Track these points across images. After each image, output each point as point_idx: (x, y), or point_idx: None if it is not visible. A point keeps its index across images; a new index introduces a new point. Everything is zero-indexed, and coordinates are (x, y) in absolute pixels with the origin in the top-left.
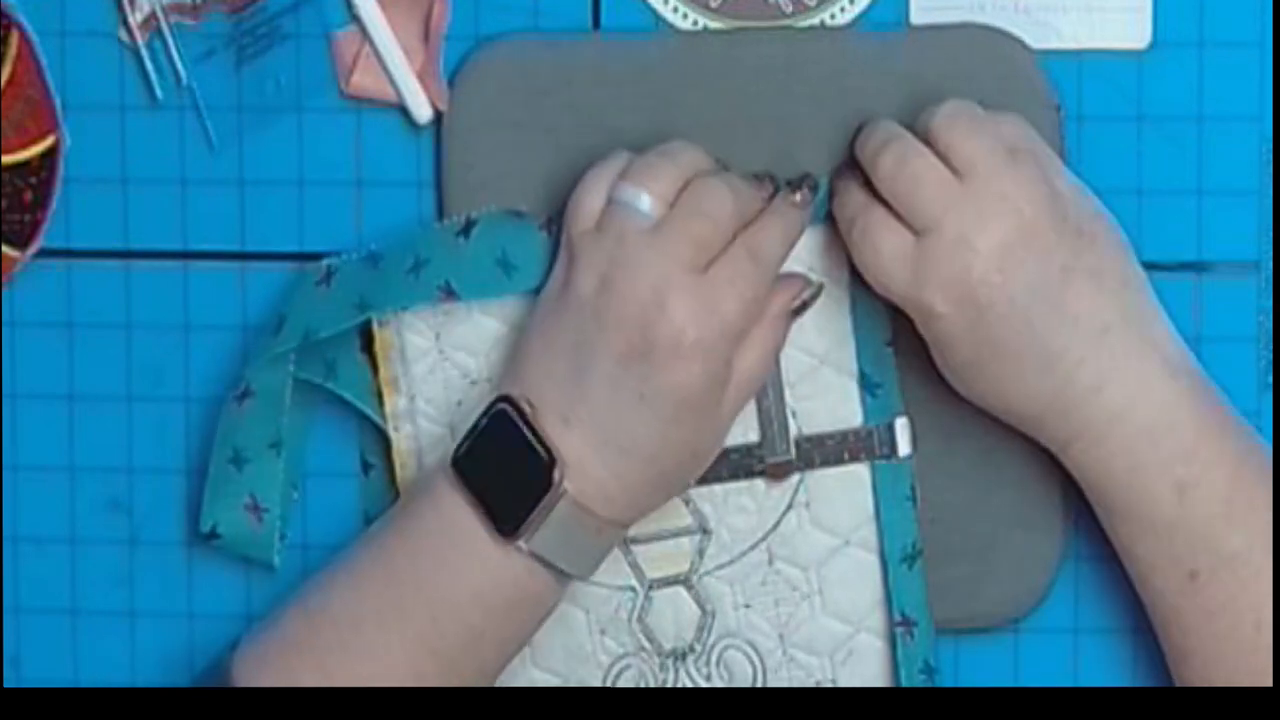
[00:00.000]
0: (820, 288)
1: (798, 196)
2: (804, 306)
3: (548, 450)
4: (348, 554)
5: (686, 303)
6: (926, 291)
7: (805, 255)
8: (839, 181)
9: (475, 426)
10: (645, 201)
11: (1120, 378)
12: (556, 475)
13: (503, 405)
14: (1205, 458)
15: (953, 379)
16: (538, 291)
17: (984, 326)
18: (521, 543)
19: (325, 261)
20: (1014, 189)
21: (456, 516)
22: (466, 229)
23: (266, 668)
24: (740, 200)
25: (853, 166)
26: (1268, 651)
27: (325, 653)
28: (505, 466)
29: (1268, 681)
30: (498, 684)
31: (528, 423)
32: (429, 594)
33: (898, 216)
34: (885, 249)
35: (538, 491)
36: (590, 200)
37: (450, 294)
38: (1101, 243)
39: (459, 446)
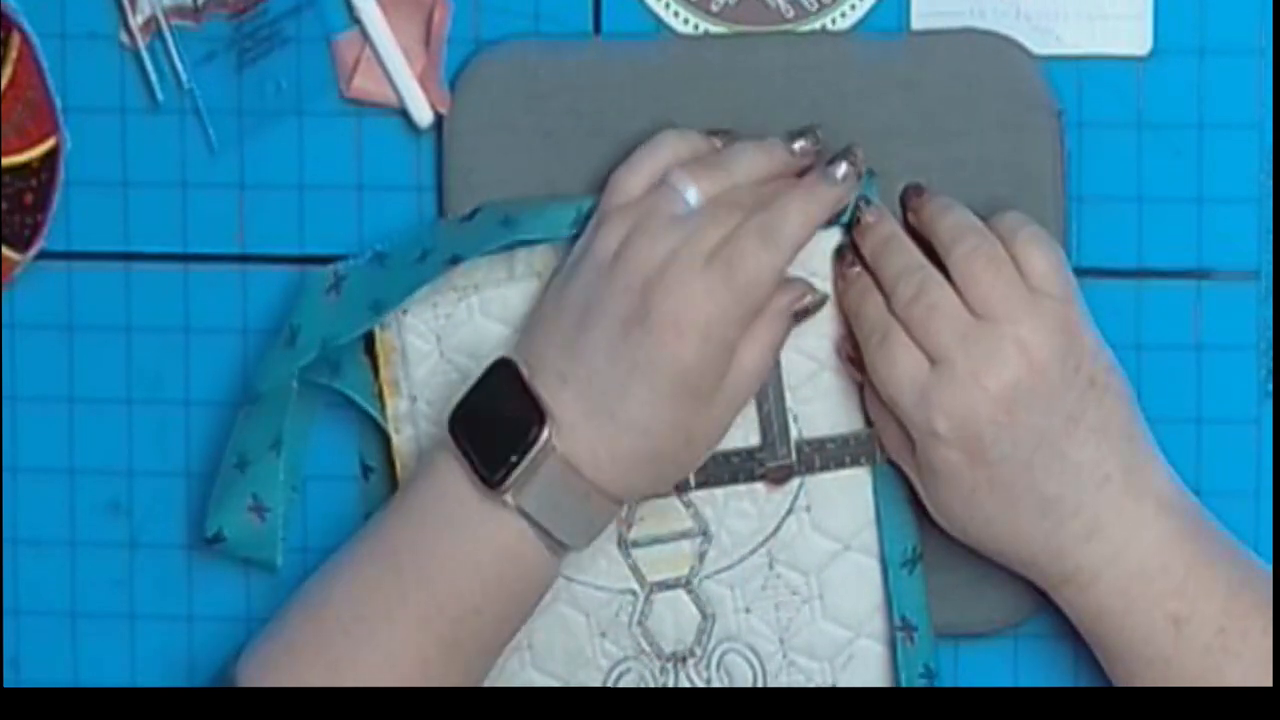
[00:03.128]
0: (825, 298)
1: (840, 171)
2: (806, 312)
3: (539, 407)
4: (348, 547)
5: (689, 281)
6: (933, 416)
7: (807, 259)
8: (848, 271)
9: (472, 388)
10: (692, 194)
11: (1114, 525)
12: (546, 431)
13: (500, 366)
14: (1196, 591)
15: (944, 516)
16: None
17: (984, 465)
18: (508, 497)
19: (332, 268)
20: (1029, 334)
21: (452, 486)
22: (471, 215)
23: (271, 673)
24: (778, 257)
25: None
26: None
27: (330, 650)
28: (497, 423)
29: None
30: (498, 685)
31: (522, 382)
32: (428, 573)
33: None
34: (901, 363)
35: (526, 447)
36: (633, 179)
37: (456, 262)
38: (1111, 396)
39: (456, 408)
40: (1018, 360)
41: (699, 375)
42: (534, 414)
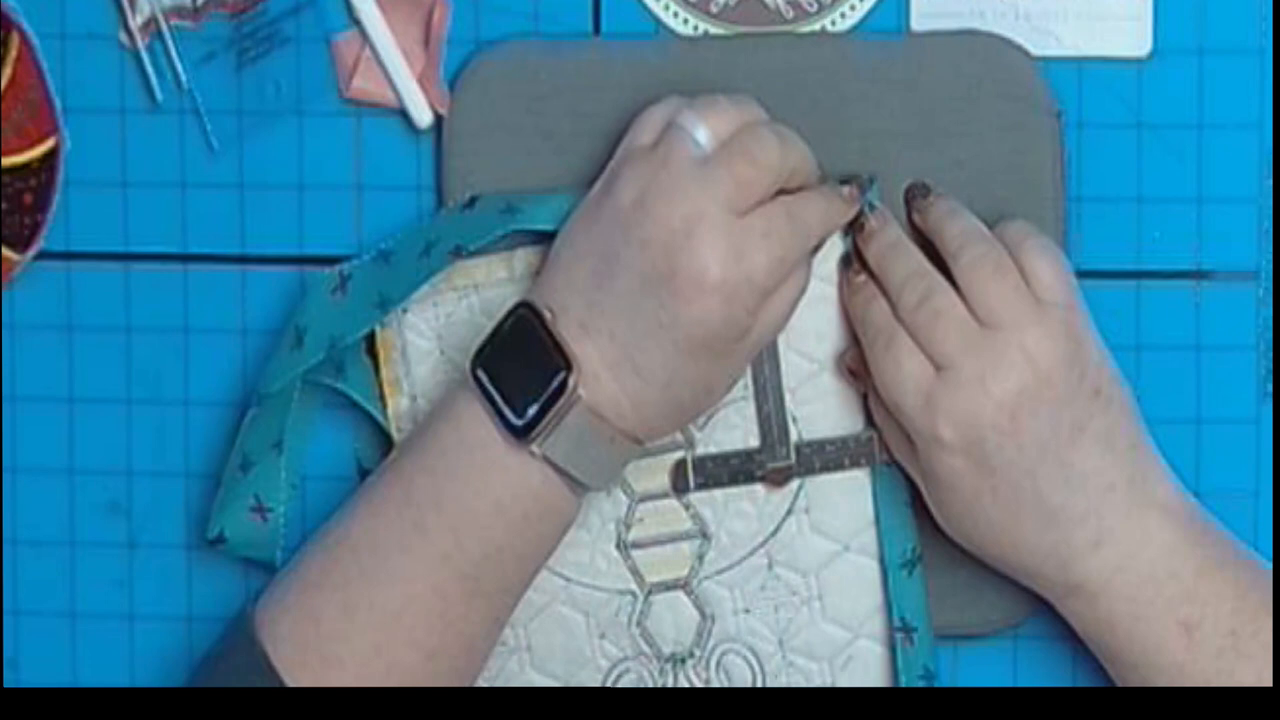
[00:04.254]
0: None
1: (845, 190)
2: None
3: (565, 356)
4: (365, 487)
5: (714, 241)
6: (938, 421)
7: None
8: (856, 275)
9: (494, 331)
10: (702, 133)
11: (1119, 533)
12: (572, 380)
13: (523, 311)
14: (1207, 595)
15: (949, 523)
16: (549, 236)
17: (987, 472)
18: (534, 447)
19: (338, 268)
20: (1034, 343)
21: (474, 428)
22: (470, 203)
23: (287, 610)
24: (789, 154)
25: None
26: None
27: (346, 584)
28: (521, 371)
29: None
30: (498, 685)
31: (547, 328)
32: (449, 509)
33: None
34: (906, 368)
35: (553, 396)
36: (654, 121)
37: (459, 253)
38: (1115, 406)
39: (478, 352)
40: (1023, 367)
41: (722, 335)
42: (560, 361)
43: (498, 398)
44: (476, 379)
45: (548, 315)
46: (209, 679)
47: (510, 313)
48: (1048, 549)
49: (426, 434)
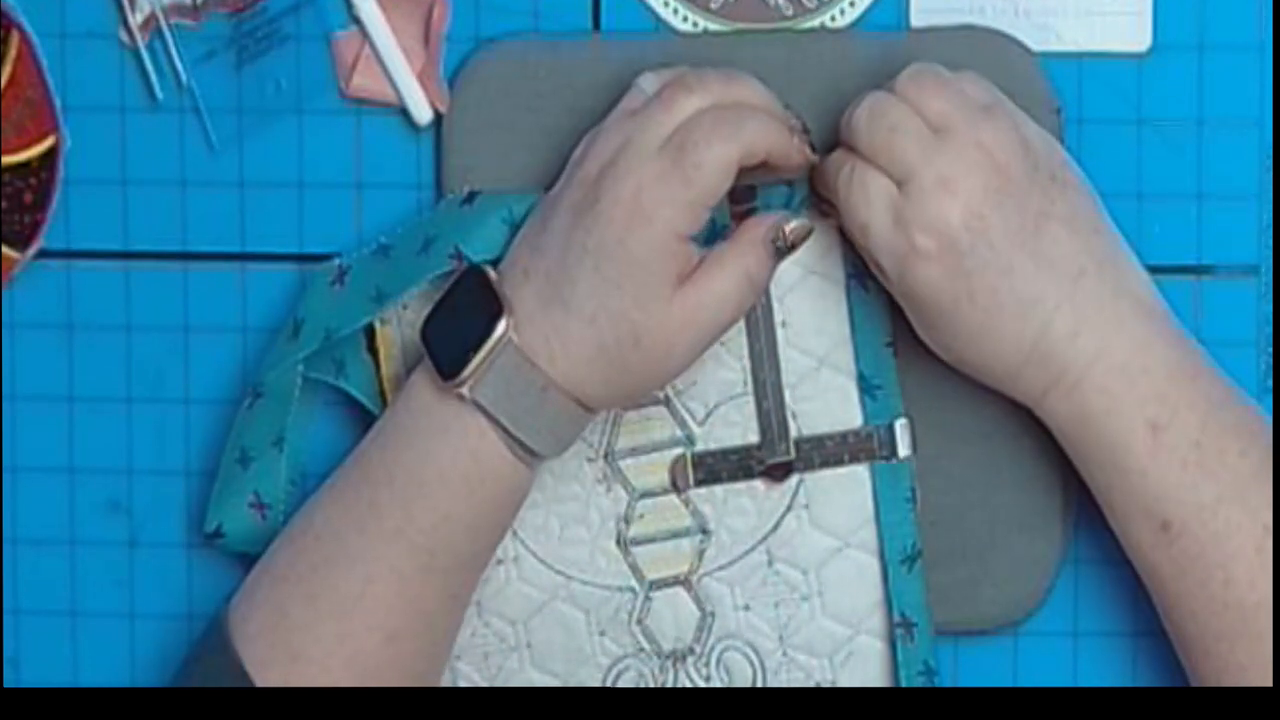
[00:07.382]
0: (810, 228)
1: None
2: (792, 246)
3: (499, 302)
4: (332, 475)
5: (638, 165)
6: (911, 233)
7: (804, 255)
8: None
9: (444, 293)
10: (649, 82)
11: (1095, 321)
12: (504, 323)
13: (470, 271)
14: (1177, 400)
15: (931, 339)
16: None
17: (963, 275)
18: (465, 390)
19: (336, 261)
20: (990, 138)
21: (422, 395)
22: (470, 198)
23: (257, 606)
24: (727, 89)
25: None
26: (1238, 610)
27: (310, 574)
28: (462, 323)
29: (1236, 644)
30: (498, 684)
31: (488, 282)
32: (398, 482)
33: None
34: (873, 189)
35: (485, 338)
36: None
37: (460, 257)
38: (1073, 189)
39: (428, 314)
40: (983, 163)
41: (644, 263)
42: (495, 307)
43: (438, 351)
44: (424, 339)
45: (490, 273)
46: (186, 682)
47: (460, 276)
48: (1030, 344)
49: (385, 414)
